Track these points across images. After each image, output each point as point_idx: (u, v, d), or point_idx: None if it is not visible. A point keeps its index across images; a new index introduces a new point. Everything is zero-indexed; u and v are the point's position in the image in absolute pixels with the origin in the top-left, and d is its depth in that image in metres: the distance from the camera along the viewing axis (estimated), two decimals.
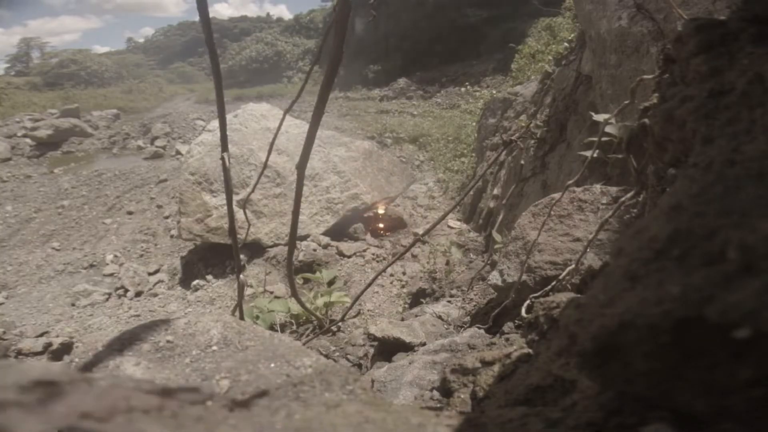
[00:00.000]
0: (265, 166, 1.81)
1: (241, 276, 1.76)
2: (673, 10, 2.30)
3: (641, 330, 0.54)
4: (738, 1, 0.84)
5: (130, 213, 13.99)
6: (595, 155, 1.95)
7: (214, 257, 9.49)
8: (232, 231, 1.62)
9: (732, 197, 0.59)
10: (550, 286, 2.13)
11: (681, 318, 0.51)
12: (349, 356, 4.16)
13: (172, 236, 12.06)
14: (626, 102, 1.53)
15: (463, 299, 4.18)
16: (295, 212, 1.48)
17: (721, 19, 0.86)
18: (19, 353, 7.01)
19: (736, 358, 0.51)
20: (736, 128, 0.72)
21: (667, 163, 1.01)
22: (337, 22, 1.07)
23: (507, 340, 2.02)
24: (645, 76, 1.33)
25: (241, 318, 1.83)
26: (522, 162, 7.31)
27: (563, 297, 1.94)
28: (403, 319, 4.56)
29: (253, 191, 2.00)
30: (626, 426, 0.65)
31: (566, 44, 7.14)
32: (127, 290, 9.66)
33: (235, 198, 8.87)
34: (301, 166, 1.30)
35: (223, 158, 1.37)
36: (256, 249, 9.01)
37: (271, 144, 1.68)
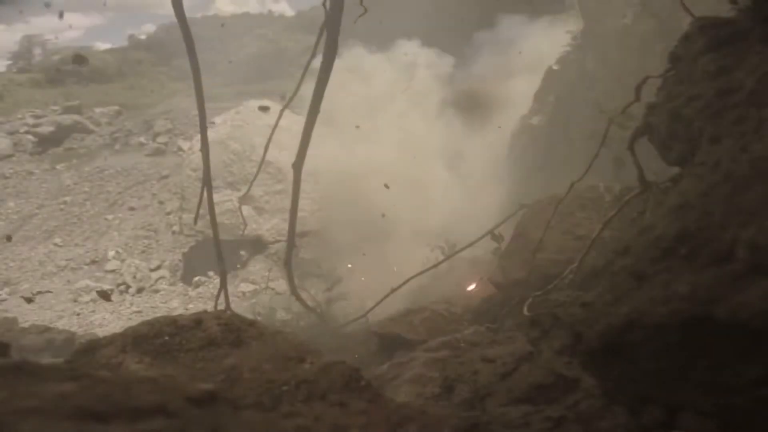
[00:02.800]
0: (262, 162, 1.81)
1: (223, 268, 1.76)
2: (678, 9, 2.29)
3: (648, 329, 0.53)
4: (747, 1, 0.83)
5: (131, 209, 14.01)
6: (599, 153, 1.94)
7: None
8: (213, 223, 1.62)
9: (740, 196, 0.58)
10: (552, 284, 2.12)
11: (689, 317, 0.51)
12: (350, 353, 4.16)
13: (173, 232, 12.08)
14: (631, 100, 1.52)
15: (465, 296, 4.18)
16: (293, 210, 1.48)
17: (730, 18, 0.85)
18: (22, 350, 7.03)
19: (744, 357, 0.50)
20: (744, 127, 0.71)
21: (673, 162, 1.01)
22: (329, 18, 1.06)
23: (509, 337, 2.01)
24: (651, 74, 1.32)
25: (227, 307, 1.84)
26: (525, 159, 7.30)
27: (566, 295, 1.94)
28: (404, 316, 4.55)
29: (250, 188, 2.00)
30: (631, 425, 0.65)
31: (570, 41, 7.11)
32: (129, 286, 9.69)
33: (237, 194, 8.88)
34: (298, 165, 1.30)
35: (202, 151, 1.37)
36: (257, 245, 9.02)
37: (268, 141, 1.68)
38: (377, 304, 2.07)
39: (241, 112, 10.52)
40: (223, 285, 1.82)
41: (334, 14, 0.98)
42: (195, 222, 1.71)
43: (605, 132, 1.96)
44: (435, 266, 1.82)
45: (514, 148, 8.47)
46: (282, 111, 1.52)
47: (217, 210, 10.00)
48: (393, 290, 1.94)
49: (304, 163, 1.32)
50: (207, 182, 1.49)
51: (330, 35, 0.98)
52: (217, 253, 1.72)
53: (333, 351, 4.28)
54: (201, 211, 9.59)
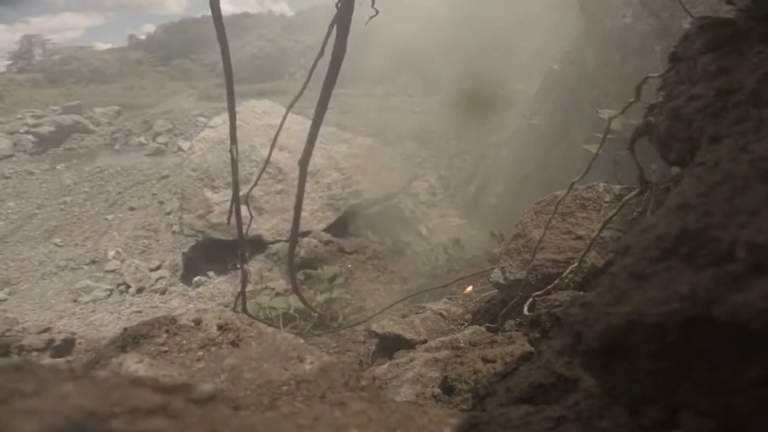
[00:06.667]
0: (267, 162, 1.82)
1: (245, 265, 1.77)
2: (678, 9, 2.29)
3: (648, 329, 0.53)
4: (747, 1, 0.83)
5: (131, 209, 14.01)
6: (599, 152, 1.94)
7: (215, 253, 9.50)
8: (238, 221, 1.63)
9: (740, 196, 0.58)
10: (552, 285, 2.12)
11: (689, 317, 0.51)
12: (350, 353, 4.17)
13: (173, 232, 12.08)
14: (631, 100, 1.52)
15: (465, 296, 4.18)
16: (297, 208, 1.48)
17: (730, 18, 0.85)
18: (21, 350, 7.02)
19: (744, 357, 0.50)
20: (745, 127, 0.71)
21: (673, 162, 1.01)
22: (340, 18, 1.06)
23: (509, 337, 2.01)
24: (651, 74, 1.32)
25: (244, 308, 1.84)
26: (524, 159, 7.29)
27: (566, 295, 1.94)
28: (404, 316, 4.55)
29: (255, 185, 2.00)
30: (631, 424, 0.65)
31: (570, 42, 7.12)
32: (128, 286, 9.69)
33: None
34: (304, 162, 1.30)
35: (231, 151, 1.38)
36: (257, 245, 9.02)
37: (274, 140, 1.68)
38: (379, 312, 2.07)
39: (241, 112, 10.51)
40: (244, 287, 1.82)
41: (345, 11, 0.98)
42: (228, 222, 1.75)
43: (605, 132, 1.96)
44: (432, 288, 1.83)
45: (514, 148, 8.48)
46: (288, 110, 1.53)
47: (217, 210, 10.00)
48: (394, 303, 1.94)
49: (309, 162, 1.33)
50: (235, 184, 1.50)
51: (340, 33, 0.98)
52: (241, 255, 1.73)
53: (332, 350, 4.28)
54: (201, 212, 9.52)
